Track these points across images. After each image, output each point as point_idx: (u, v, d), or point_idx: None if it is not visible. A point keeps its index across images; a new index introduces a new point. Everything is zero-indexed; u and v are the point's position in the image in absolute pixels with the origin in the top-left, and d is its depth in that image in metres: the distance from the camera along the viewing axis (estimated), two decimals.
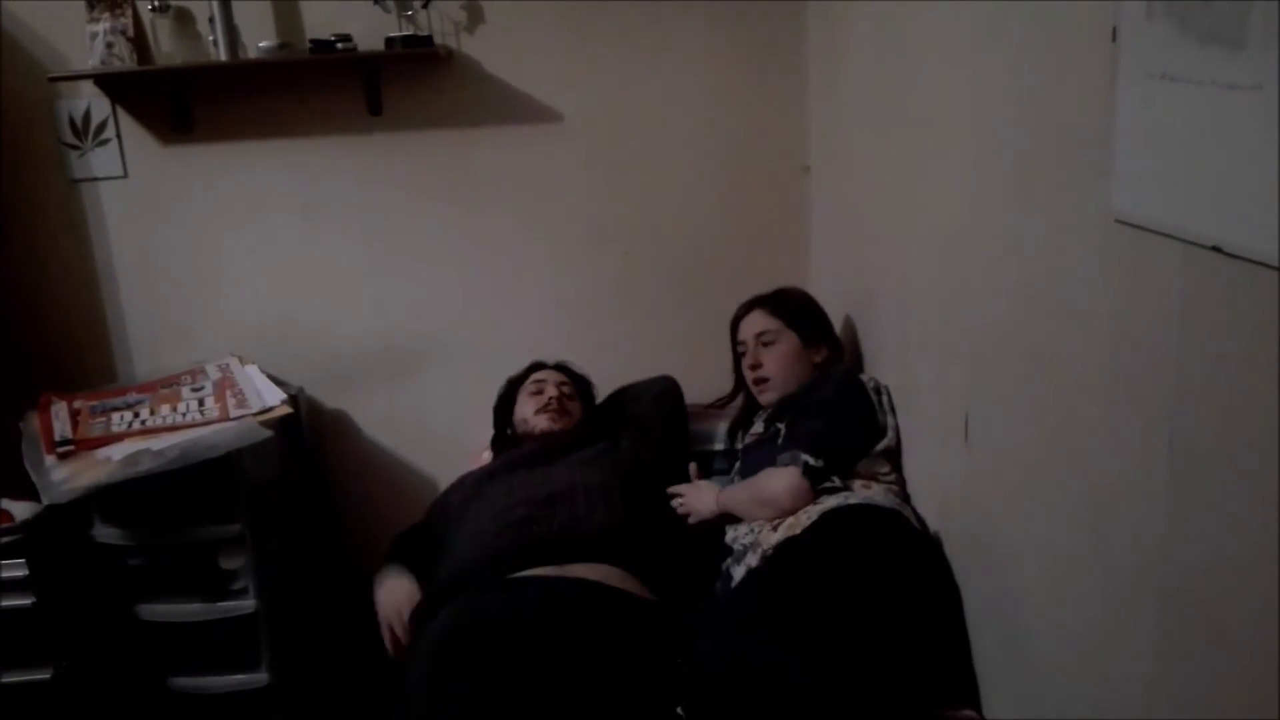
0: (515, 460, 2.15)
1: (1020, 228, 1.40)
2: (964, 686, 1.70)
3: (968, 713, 1.64)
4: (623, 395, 2.45)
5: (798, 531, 1.80)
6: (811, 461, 1.87)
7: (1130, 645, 1.17)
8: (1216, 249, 0.91)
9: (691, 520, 2.13)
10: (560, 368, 2.46)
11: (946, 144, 1.68)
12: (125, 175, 2.61)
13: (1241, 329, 0.91)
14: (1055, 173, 1.29)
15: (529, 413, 2.32)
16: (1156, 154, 1.03)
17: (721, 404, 2.40)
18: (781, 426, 2.07)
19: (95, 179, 2.61)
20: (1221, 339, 0.95)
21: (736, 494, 2.03)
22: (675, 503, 2.17)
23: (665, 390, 2.42)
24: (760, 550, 1.85)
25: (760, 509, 1.93)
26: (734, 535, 2.01)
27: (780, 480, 1.89)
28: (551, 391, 2.34)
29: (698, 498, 2.14)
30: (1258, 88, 0.84)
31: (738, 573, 1.89)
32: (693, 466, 2.26)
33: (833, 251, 2.57)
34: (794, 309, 2.24)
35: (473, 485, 2.12)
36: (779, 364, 2.19)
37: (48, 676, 2.20)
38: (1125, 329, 1.12)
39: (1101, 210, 1.12)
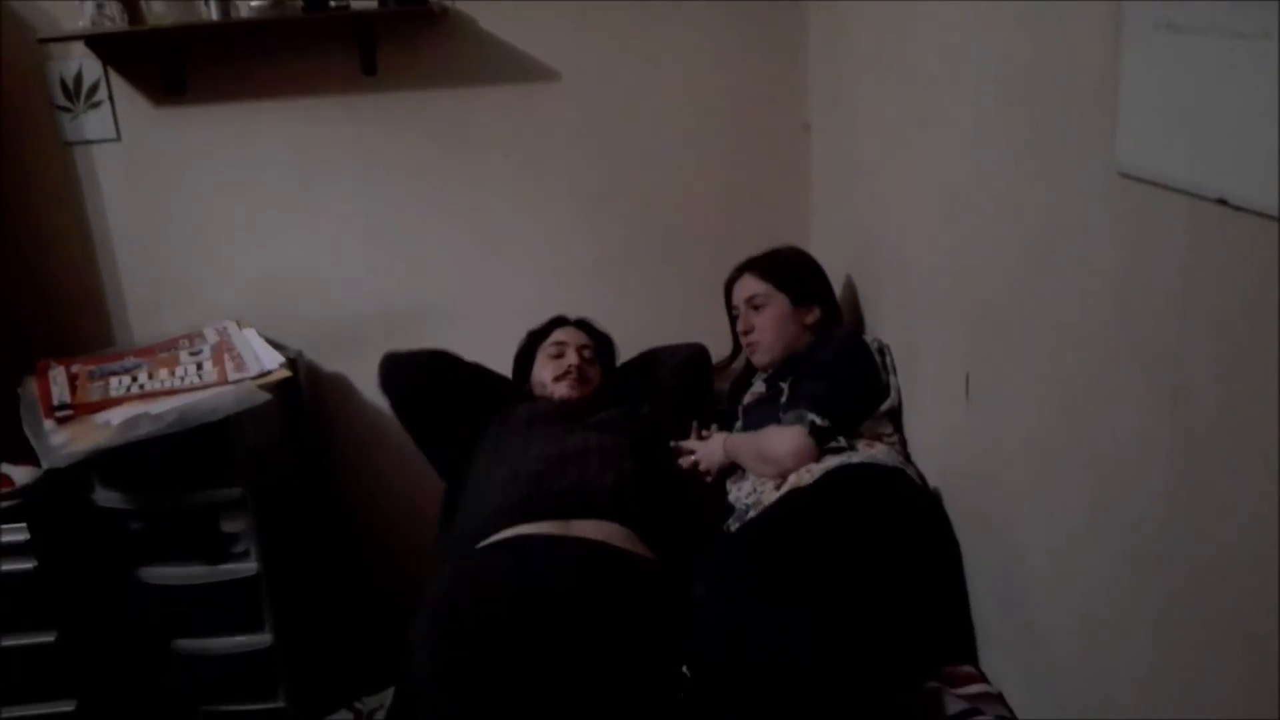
0: (534, 419, 2.15)
1: (1023, 184, 1.38)
2: (963, 644, 1.72)
3: (967, 669, 1.65)
4: (650, 358, 2.43)
5: (800, 488, 1.81)
6: (818, 421, 1.88)
7: (1131, 603, 1.17)
8: (1222, 202, 0.90)
9: (711, 476, 2.13)
10: (582, 325, 2.43)
11: (949, 100, 1.66)
12: (118, 138, 2.58)
13: (1247, 283, 0.90)
14: (1059, 127, 1.27)
15: (547, 378, 2.30)
16: (1162, 106, 1.01)
17: (723, 366, 2.41)
18: (784, 386, 2.07)
19: (88, 142, 2.58)
20: (1226, 293, 0.94)
21: (741, 443, 2.04)
22: (689, 460, 2.16)
23: (690, 358, 2.39)
24: (762, 509, 1.86)
25: (763, 465, 1.93)
26: (736, 495, 2.02)
27: (785, 440, 1.89)
28: (572, 359, 2.31)
29: (709, 450, 2.15)
30: (1265, 36, 0.82)
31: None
32: (694, 425, 2.26)
33: (833, 210, 2.55)
34: (784, 270, 2.23)
35: (492, 441, 2.12)
36: (769, 327, 2.19)
37: (51, 639, 2.22)
38: (1128, 284, 1.11)
39: (1105, 164, 1.11)
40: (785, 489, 1.85)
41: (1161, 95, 1.01)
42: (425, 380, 2.24)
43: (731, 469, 2.10)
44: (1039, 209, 1.34)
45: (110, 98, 2.55)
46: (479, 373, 2.38)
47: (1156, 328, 1.06)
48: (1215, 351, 0.97)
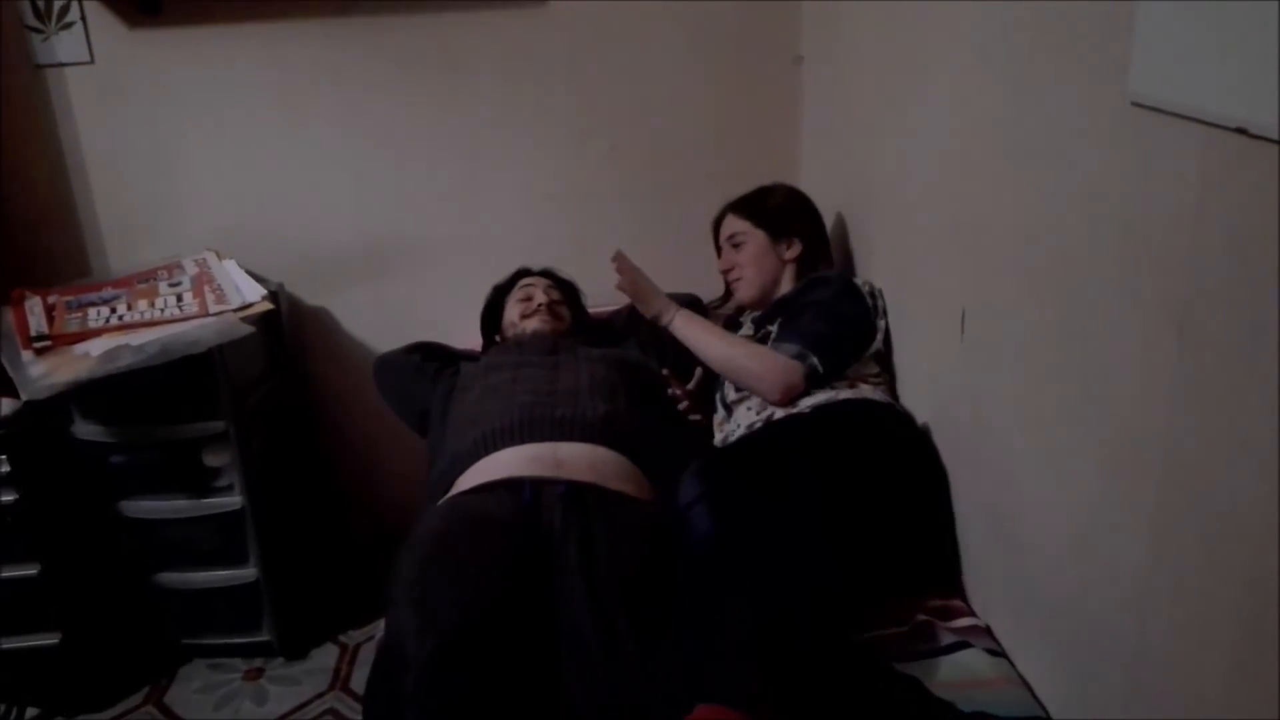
0: (523, 353, 2.13)
1: (1030, 113, 1.36)
2: (948, 577, 1.73)
3: (956, 603, 1.66)
4: None
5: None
6: (819, 367, 1.88)
7: (1126, 537, 1.17)
8: (1242, 130, 0.88)
9: (699, 417, 2.13)
10: (546, 274, 2.42)
11: (953, 26, 1.62)
12: (92, 61, 2.49)
13: (1262, 213, 0.89)
14: (1069, 54, 1.24)
15: (516, 317, 2.30)
16: (1180, 34, 0.99)
17: (715, 307, 2.41)
18: (773, 329, 2.05)
19: (61, 65, 2.49)
20: (1239, 222, 0.93)
21: (735, 341, 2.05)
22: (683, 405, 2.15)
23: (686, 305, 2.38)
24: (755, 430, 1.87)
25: (746, 363, 1.97)
26: (723, 438, 2.02)
27: (784, 371, 1.89)
28: (540, 298, 2.32)
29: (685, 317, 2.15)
30: None
31: None
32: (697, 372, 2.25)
33: (825, 146, 2.51)
34: (764, 207, 2.22)
35: (481, 371, 2.10)
36: (747, 262, 2.19)
37: (34, 573, 2.20)
38: (1137, 215, 1.10)
39: (1117, 93, 1.09)
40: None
41: (1181, 23, 0.98)
42: (416, 374, 2.26)
43: (715, 411, 2.10)
44: (1046, 139, 1.31)
45: (83, 18, 2.46)
46: (464, 355, 2.36)
47: (1164, 259, 1.05)
48: (1224, 282, 0.96)
